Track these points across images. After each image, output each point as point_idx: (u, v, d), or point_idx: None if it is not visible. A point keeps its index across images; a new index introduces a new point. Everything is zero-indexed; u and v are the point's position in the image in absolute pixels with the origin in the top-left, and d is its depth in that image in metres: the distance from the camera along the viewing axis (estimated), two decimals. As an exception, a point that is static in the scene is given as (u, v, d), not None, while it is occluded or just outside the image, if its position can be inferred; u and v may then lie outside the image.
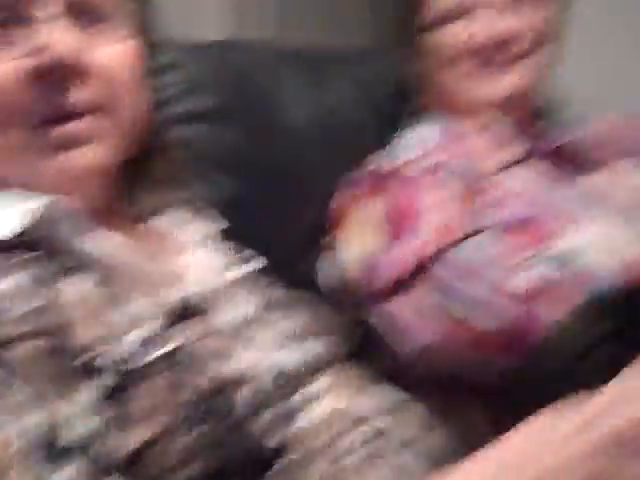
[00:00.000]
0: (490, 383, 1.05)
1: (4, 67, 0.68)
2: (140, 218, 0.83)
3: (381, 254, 1.08)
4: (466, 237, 1.06)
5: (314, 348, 0.78)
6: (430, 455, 0.76)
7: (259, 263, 0.89)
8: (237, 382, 0.68)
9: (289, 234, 1.22)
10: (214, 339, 0.70)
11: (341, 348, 0.82)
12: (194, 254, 0.83)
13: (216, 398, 0.65)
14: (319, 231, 1.22)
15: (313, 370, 0.77)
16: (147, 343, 0.65)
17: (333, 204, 1.21)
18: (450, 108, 1.23)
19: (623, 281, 0.99)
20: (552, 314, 0.99)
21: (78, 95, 0.70)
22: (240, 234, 0.89)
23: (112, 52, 0.72)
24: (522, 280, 1.02)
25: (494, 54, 1.19)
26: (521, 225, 1.09)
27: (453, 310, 1.03)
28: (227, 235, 0.90)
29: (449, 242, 1.06)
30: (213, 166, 1.14)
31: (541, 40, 1.21)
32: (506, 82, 1.20)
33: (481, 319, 1.02)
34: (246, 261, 0.89)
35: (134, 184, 0.83)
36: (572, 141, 1.24)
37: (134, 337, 0.65)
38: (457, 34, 1.19)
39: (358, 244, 1.12)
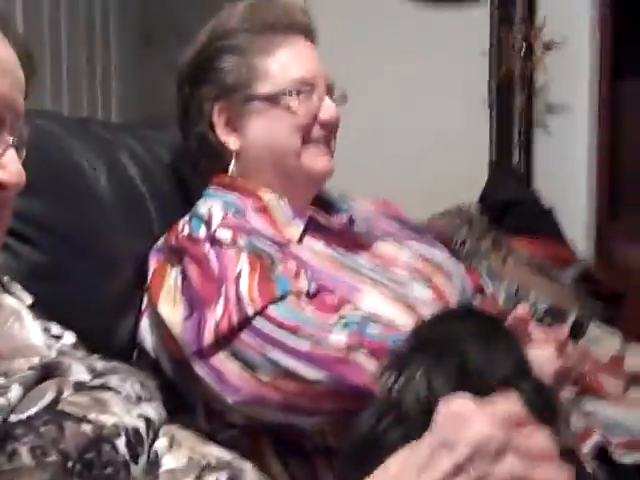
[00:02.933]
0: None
1: None
2: None
3: (201, 315, 1.16)
4: (279, 299, 1.16)
5: (149, 411, 0.85)
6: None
7: (73, 336, 0.94)
8: (117, 430, 0.78)
9: (102, 299, 1.26)
10: (80, 395, 0.80)
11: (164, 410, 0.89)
12: (17, 326, 0.88)
13: (101, 444, 0.75)
14: (131, 295, 1.29)
15: (155, 430, 0.84)
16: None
17: (149, 268, 1.28)
18: (241, 184, 1.34)
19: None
20: (371, 365, 1.11)
21: None
22: (50, 304, 0.91)
23: None
24: (341, 335, 1.14)
25: (322, 133, 1.34)
26: (319, 293, 1.22)
27: (263, 374, 1.13)
28: (39, 306, 0.92)
29: (264, 303, 1.15)
30: (17, 237, 1.14)
31: (337, 129, 1.37)
32: (326, 161, 1.35)
33: (307, 370, 1.13)
34: (62, 334, 0.94)
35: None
36: (348, 218, 1.39)
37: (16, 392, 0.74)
38: (296, 108, 1.31)
39: (175, 305, 1.20)
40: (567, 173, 2.81)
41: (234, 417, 1.22)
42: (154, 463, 0.82)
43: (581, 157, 2.82)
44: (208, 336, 1.16)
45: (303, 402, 1.14)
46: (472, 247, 2.08)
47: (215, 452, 0.88)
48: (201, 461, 0.84)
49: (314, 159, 1.34)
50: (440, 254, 1.45)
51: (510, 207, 2.29)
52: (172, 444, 0.86)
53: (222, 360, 1.16)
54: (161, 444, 0.85)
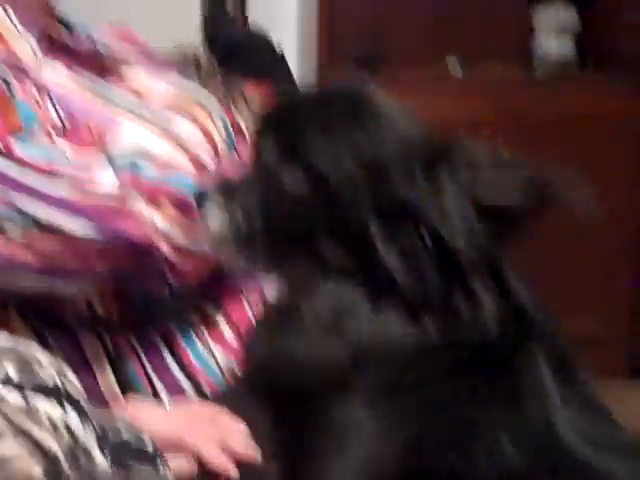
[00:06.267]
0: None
1: None
2: None
3: None
4: (23, 132, 0.92)
5: None
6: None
7: None
8: None
9: None
10: None
11: None
12: None
13: None
14: None
15: None
16: None
17: None
18: None
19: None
20: (150, 212, 0.93)
21: None
22: None
23: None
24: (109, 176, 0.93)
25: None
26: (71, 125, 0.98)
27: (11, 230, 0.89)
28: None
29: (3, 137, 0.90)
30: None
31: None
32: None
33: (69, 222, 0.90)
34: None
35: None
36: (91, 39, 1.13)
37: None
38: None
39: None
40: (279, 19, 2.74)
41: (-27, 289, 0.97)
42: None
43: (291, 4, 2.80)
44: None
45: (67, 262, 0.92)
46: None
47: None
48: None
49: None
50: (194, 88, 1.27)
51: (237, 49, 2.12)
52: None
53: None
54: None
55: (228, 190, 0.71)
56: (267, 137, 0.68)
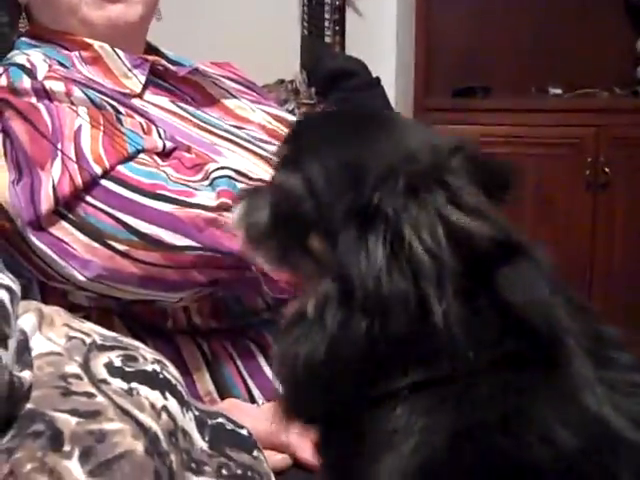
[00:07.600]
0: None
1: None
2: None
3: (34, 177, 0.98)
4: (131, 157, 1.00)
5: (5, 279, 0.66)
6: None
7: None
8: None
9: None
10: None
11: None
12: None
13: None
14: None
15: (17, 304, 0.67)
16: None
17: None
18: (62, 33, 1.14)
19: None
20: None
21: None
22: None
23: None
24: (210, 194, 0.99)
25: None
26: (174, 150, 1.06)
27: (117, 243, 0.97)
28: None
29: (114, 162, 0.98)
30: None
31: None
32: (110, 10, 1.13)
33: (171, 236, 0.97)
34: None
35: None
36: (191, 75, 1.20)
37: None
38: None
39: None
40: (377, 52, 2.78)
41: (79, 297, 1.04)
42: (22, 346, 0.64)
43: (390, 38, 2.81)
44: (45, 202, 0.97)
45: (168, 274, 0.99)
46: (300, 120, 1.96)
47: (96, 329, 0.72)
48: (85, 340, 0.68)
49: (89, 12, 1.14)
50: (291, 117, 1.32)
51: (337, 79, 2.17)
52: (42, 321, 0.68)
53: (65, 230, 0.98)
54: (28, 321, 0.67)
55: (252, 193, 0.77)
56: (281, 151, 0.75)
